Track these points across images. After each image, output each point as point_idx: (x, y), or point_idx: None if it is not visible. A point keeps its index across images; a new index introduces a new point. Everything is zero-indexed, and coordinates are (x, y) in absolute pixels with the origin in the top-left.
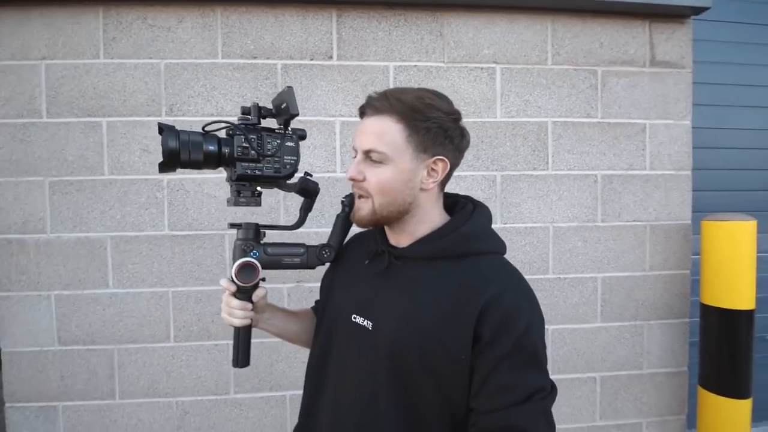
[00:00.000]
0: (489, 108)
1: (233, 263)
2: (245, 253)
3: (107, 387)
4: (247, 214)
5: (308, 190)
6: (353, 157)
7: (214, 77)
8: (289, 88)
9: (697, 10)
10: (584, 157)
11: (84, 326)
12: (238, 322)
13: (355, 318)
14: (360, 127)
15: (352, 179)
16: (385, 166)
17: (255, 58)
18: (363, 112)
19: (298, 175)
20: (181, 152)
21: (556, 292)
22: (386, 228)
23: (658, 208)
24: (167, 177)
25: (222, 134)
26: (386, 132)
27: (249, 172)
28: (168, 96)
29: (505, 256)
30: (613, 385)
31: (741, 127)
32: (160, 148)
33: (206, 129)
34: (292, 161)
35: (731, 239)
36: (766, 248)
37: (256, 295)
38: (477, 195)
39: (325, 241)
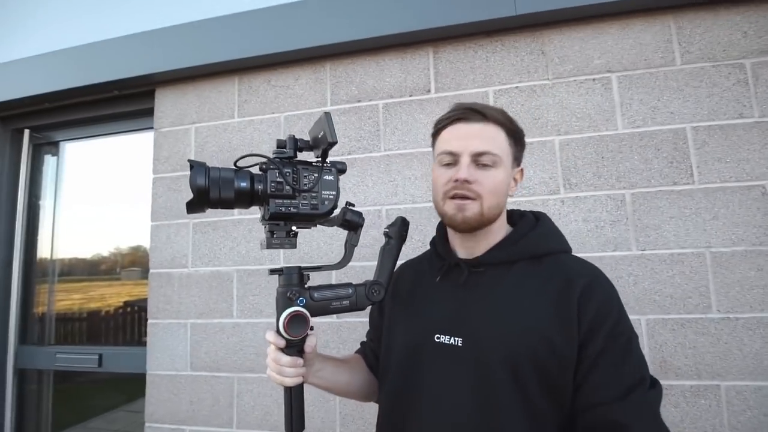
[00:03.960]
0: (607, 120)
1: (278, 314)
2: (291, 302)
3: (227, 415)
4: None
5: (352, 223)
6: (445, 163)
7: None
8: (327, 114)
9: None
10: (743, 165)
11: (211, 353)
12: (290, 381)
13: (439, 338)
14: (460, 132)
15: (466, 180)
16: (495, 169)
17: (359, 101)
18: (460, 118)
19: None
20: (210, 190)
21: (725, 337)
22: (458, 240)
23: None
24: None
25: (257, 171)
26: (496, 137)
27: (283, 209)
28: None
29: (650, 289)
30: None
31: None
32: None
33: (238, 164)
34: (331, 196)
35: None
36: None
37: (309, 346)
38: (602, 217)
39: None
